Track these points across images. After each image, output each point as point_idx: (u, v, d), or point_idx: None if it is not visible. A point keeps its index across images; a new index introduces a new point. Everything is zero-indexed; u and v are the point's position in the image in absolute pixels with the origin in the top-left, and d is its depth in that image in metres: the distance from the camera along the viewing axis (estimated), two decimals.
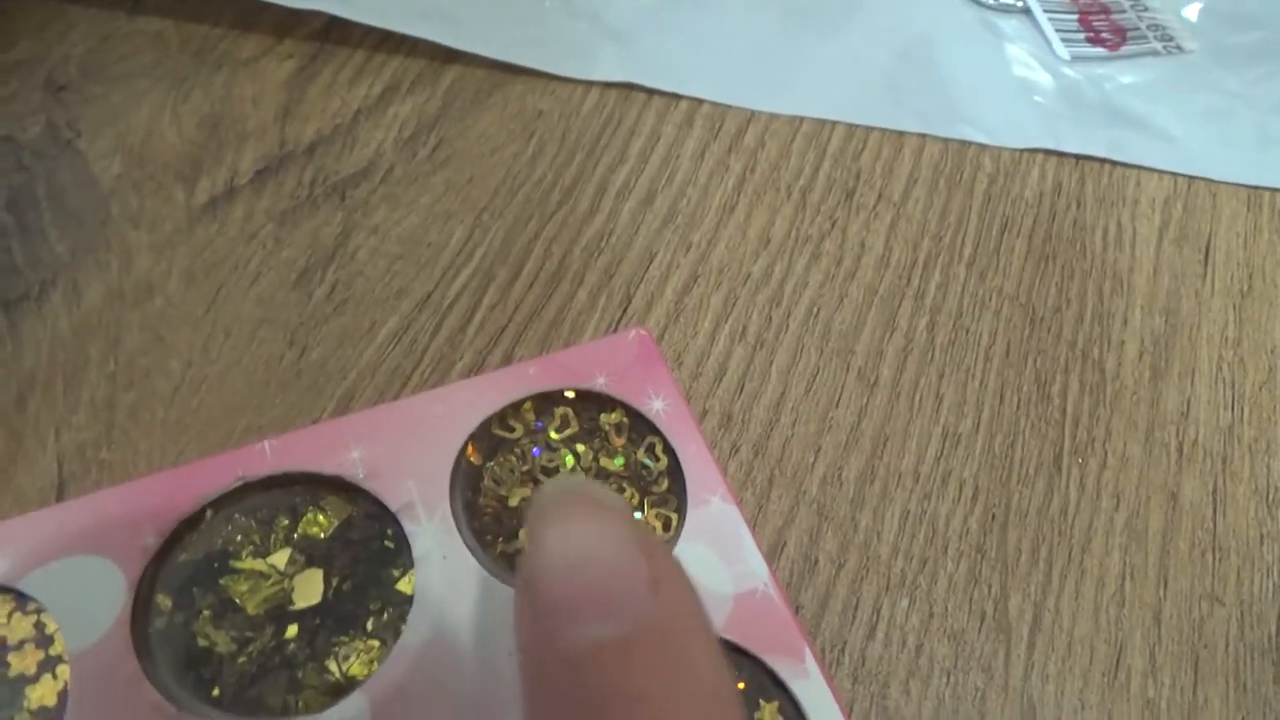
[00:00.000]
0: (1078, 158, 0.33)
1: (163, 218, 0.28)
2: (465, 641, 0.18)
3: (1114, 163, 0.33)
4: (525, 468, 0.21)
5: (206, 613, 0.19)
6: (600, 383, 0.22)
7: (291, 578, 0.19)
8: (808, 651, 0.19)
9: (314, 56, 0.32)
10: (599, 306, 0.27)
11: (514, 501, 0.21)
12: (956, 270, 0.30)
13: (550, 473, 0.22)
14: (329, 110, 0.31)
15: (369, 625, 0.19)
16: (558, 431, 0.22)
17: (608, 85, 0.33)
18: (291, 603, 0.19)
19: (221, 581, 0.19)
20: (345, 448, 0.20)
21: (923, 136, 0.33)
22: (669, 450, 0.22)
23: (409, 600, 0.19)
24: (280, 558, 0.19)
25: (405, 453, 0.20)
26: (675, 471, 0.21)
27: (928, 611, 0.23)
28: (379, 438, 0.20)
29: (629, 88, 0.33)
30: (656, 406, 0.22)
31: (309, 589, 0.19)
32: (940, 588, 0.24)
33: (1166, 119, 0.34)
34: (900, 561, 0.24)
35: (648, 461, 0.22)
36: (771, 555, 0.24)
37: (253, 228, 0.28)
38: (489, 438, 0.22)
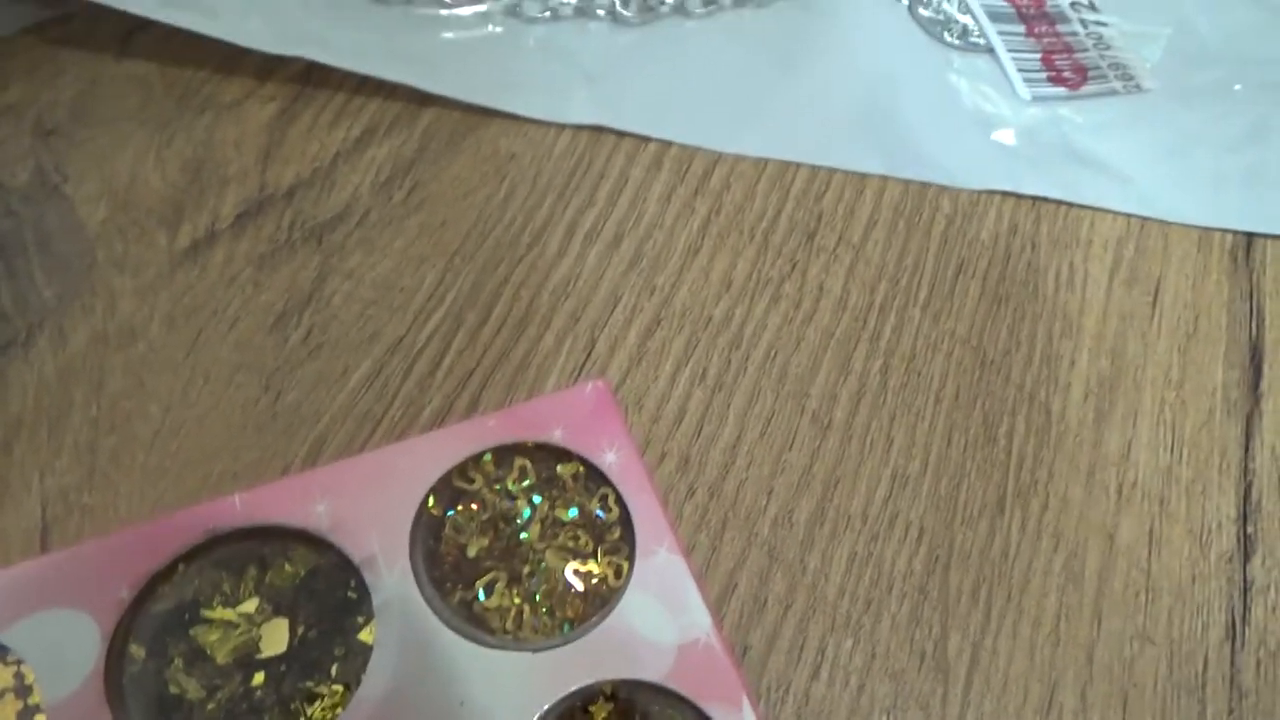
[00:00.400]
0: (1034, 199, 0.34)
1: (146, 262, 0.29)
2: (420, 692, 0.19)
3: (1070, 204, 0.34)
4: (485, 517, 0.23)
5: (178, 661, 0.20)
6: (557, 435, 0.23)
7: (259, 626, 0.20)
8: (745, 700, 0.20)
9: (295, 99, 0.33)
10: (564, 351, 0.28)
11: (472, 551, 0.22)
12: (912, 313, 0.31)
13: (509, 522, 0.23)
14: (308, 153, 0.32)
15: (333, 672, 0.20)
16: (516, 483, 0.23)
17: (579, 128, 0.34)
18: (259, 651, 0.20)
19: (192, 631, 0.20)
20: (311, 500, 0.21)
21: (884, 178, 0.34)
22: (620, 501, 0.23)
23: (369, 650, 0.20)
24: (249, 606, 0.21)
25: (369, 505, 0.22)
26: (626, 522, 0.23)
27: (870, 652, 0.24)
28: (344, 490, 0.22)
29: (599, 130, 0.34)
30: (610, 459, 0.23)
31: (275, 638, 0.20)
32: (884, 628, 0.25)
33: (1124, 159, 0.35)
34: (846, 602, 0.25)
35: (600, 512, 0.23)
36: (722, 596, 0.25)
37: (232, 272, 0.29)
38: (450, 490, 0.23)
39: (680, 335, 0.29)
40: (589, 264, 0.31)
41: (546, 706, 0.20)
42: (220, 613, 0.20)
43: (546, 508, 0.23)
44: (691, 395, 0.28)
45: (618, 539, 0.23)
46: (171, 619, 0.20)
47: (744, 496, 0.26)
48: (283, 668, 0.20)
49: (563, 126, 0.34)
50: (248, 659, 0.20)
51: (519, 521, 0.23)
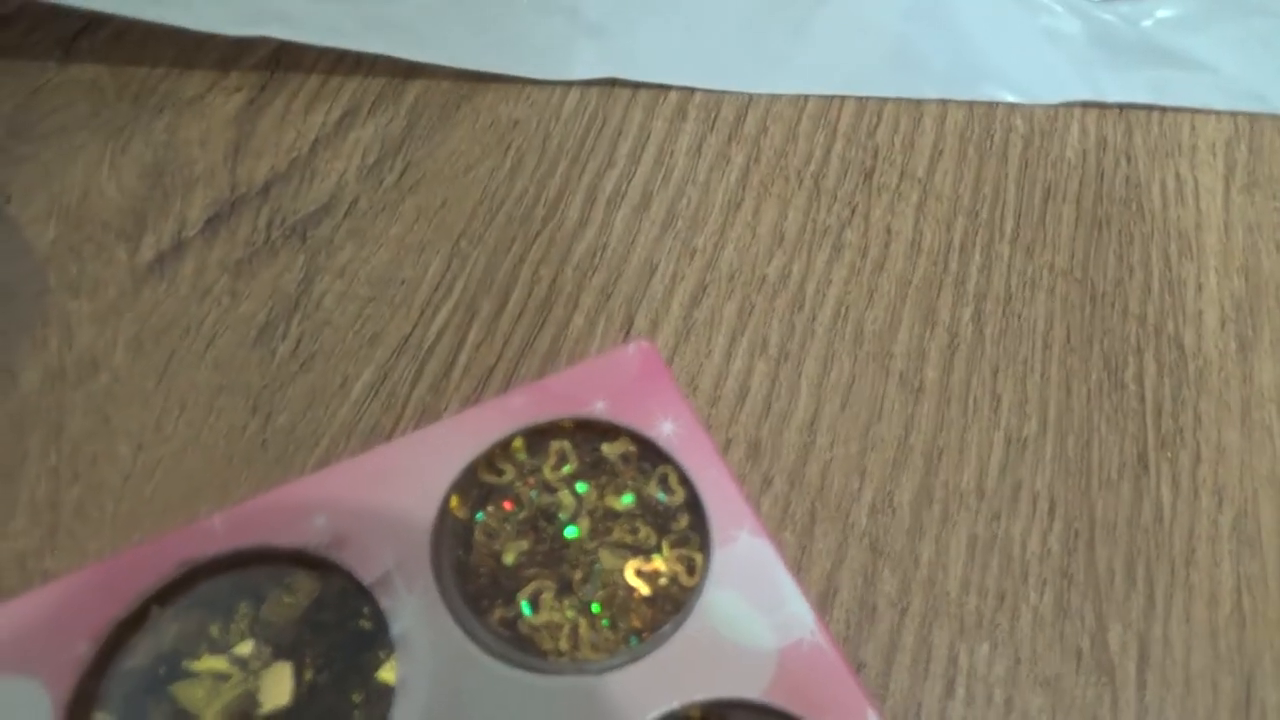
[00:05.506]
0: (1120, 107, 0.29)
1: (105, 282, 0.25)
2: None
3: (1162, 108, 0.29)
4: (521, 515, 0.18)
5: None
6: (599, 408, 0.19)
7: (257, 674, 0.16)
8: (870, 713, 0.16)
9: (263, 87, 0.29)
10: (598, 331, 0.24)
11: (510, 558, 0.18)
12: (999, 249, 0.26)
13: (550, 518, 0.18)
14: (283, 144, 0.28)
15: None
16: (554, 469, 0.19)
17: (588, 84, 0.29)
18: (258, 706, 0.16)
19: (172, 688, 0.16)
20: (307, 514, 0.17)
21: (943, 102, 0.29)
22: (685, 480, 0.18)
23: (392, 692, 0.16)
24: (243, 650, 0.16)
25: (377, 513, 0.17)
26: (694, 505, 0.18)
27: (1014, 656, 0.20)
28: (345, 498, 0.17)
29: (611, 84, 0.29)
30: (666, 430, 0.19)
31: (277, 687, 0.16)
32: (1025, 625, 0.20)
33: (1211, 51, 0.30)
34: (974, 598, 0.20)
35: (661, 496, 0.19)
36: (823, 603, 0.20)
37: (205, 283, 0.25)
38: (476, 485, 0.18)
39: (731, 301, 0.25)
40: (616, 231, 0.26)
41: None
42: (207, 662, 0.16)
43: (595, 497, 0.19)
44: (753, 369, 0.24)
45: (685, 527, 0.18)
46: (146, 676, 0.16)
47: (832, 481, 0.22)
48: None
49: (570, 84, 0.29)
50: (244, 717, 0.16)
51: (563, 517, 0.18)
